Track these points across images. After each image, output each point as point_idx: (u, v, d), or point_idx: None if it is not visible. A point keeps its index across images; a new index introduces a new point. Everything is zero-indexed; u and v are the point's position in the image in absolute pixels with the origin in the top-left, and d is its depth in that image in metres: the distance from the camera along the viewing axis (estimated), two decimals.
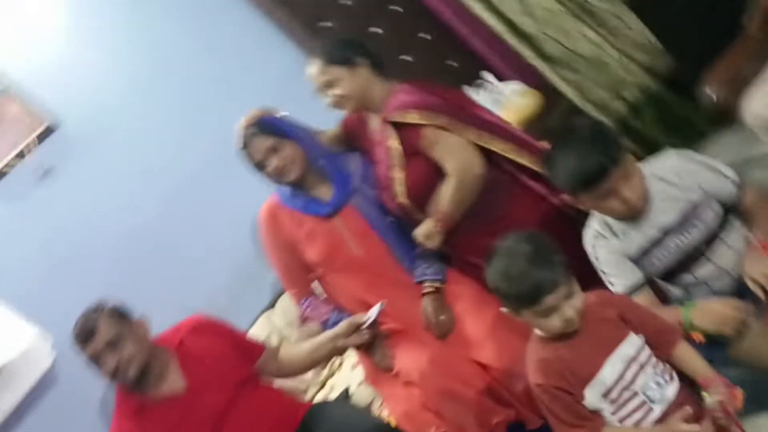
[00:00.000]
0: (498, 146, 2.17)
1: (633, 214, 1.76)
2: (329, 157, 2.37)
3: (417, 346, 2.20)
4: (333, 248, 2.28)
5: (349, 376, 2.74)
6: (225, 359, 2.12)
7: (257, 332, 3.13)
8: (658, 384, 1.54)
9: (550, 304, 1.49)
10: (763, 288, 1.60)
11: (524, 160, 2.18)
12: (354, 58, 2.19)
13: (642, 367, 1.54)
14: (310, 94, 2.27)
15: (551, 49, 2.84)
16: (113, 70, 3.33)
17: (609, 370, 1.53)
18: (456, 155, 2.13)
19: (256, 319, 3.27)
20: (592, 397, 1.54)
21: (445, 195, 2.14)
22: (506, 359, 2.15)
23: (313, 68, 2.21)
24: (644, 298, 1.77)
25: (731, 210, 1.79)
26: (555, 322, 1.51)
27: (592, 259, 1.85)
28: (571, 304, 1.50)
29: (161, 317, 2.18)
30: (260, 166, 2.25)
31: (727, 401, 1.46)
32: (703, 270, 1.76)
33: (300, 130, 2.33)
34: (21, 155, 3.12)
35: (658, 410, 1.53)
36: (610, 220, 1.81)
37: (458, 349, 2.20)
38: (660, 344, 1.58)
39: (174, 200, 3.33)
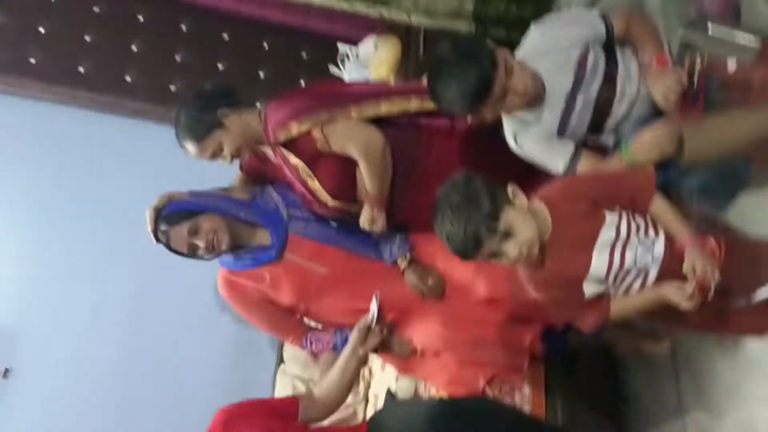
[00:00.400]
0: (383, 109, 2.17)
1: (533, 100, 1.78)
2: (248, 205, 2.34)
3: (424, 319, 2.22)
4: (300, 282, 2.27)
5: (383, 377, 2.75)
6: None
7: (282, 391, 3.10)
8: (646, 249, 1.55)
9: (491, 251, 1.50)
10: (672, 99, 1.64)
11: (413, 106, 2.18)
12: (215, 119, 2.14)
13: (625, 244, 1.55)
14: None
15: None
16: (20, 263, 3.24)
17: (597, 262, 1.55)
18: (352, 139, 2.12)
19: (274, 380, 3.24)
20: (590, 288, 1.58)
21: (365, 178, 2.14)
22: (503, 284, 2.19)
23: (192, 151, 2.16)
24: (586, 162, 1.80)
25: (613, 44, 1.82)
26: (511, 257, 1.52)
27: (525, 155, 1.88)
28: (513, 243, 1.50)
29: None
30: (191, 253, 2.20)
31: (704, 265, 1.45)
32: (619, 108, 1.79)
33: (206, 198, 2.28)
34: None
35: (654, 271, 1.56)
36: (518, 114, 1.84)
37: (460, 300, 2.22)
38: (636, 207, 1.59)
39: (136, 333, 3.28)
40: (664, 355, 2.16)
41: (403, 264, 2.26)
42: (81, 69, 3.52)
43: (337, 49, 3.55)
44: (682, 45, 1.39)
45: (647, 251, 1.55)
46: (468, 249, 1.51)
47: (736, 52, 1.36)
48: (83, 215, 3.35)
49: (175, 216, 2.18)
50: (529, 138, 1.85)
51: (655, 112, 1.76)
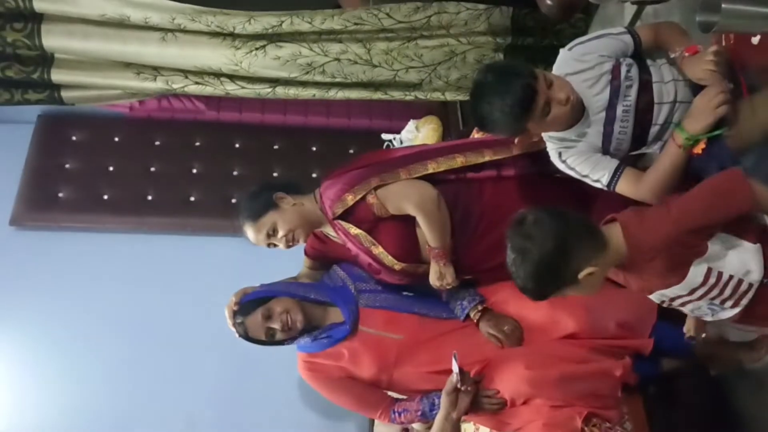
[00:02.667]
0: (431, 167, 2.25)
1: (576, 114, 1.82)
2: (316, 286, 2.42)
3: (508, 367, 2.18)
4: (378, 352, 2.28)
5: None
6: None
7: None
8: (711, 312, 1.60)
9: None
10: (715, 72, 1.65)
11: (458, 162, 2.26)
12: (270, 199, 2.24)
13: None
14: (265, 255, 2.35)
15: (412, 77, 2.98)
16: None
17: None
18: (406, 196, 2.19)
19: None
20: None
21: (426, 232, 2.20)
22: (582, 316, 2.17)
23: (250, 232, 2.27)
24: (628, 177, 1.82)
25: (642, 55, 1.87)
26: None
27: (569, 171, 1.90)
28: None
29: None
30: (270, 340, 2.26)
31: None
32: (660, 113, 1.82)
33: (275, 285, 2.38)
34: None
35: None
36: (562, 134, 1.88)
37: (540, 340, 2.21)
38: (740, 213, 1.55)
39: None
40: (765, 364, 2.06)
41: (476, 316, 2.26)
42: (149, 197, 3.78)
43: (381, 141, 3.72)
44: (701, 27, 1.43)
45: (710, 312, 1.59)
46: (537, 296, 1.57)
47: (756, 23, 1.40)
48: (168, 331, 3.48)
49: (248, 306, 2.27)
50: (573, 153, 1.87)
51: None
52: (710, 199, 1.53)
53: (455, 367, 2.10)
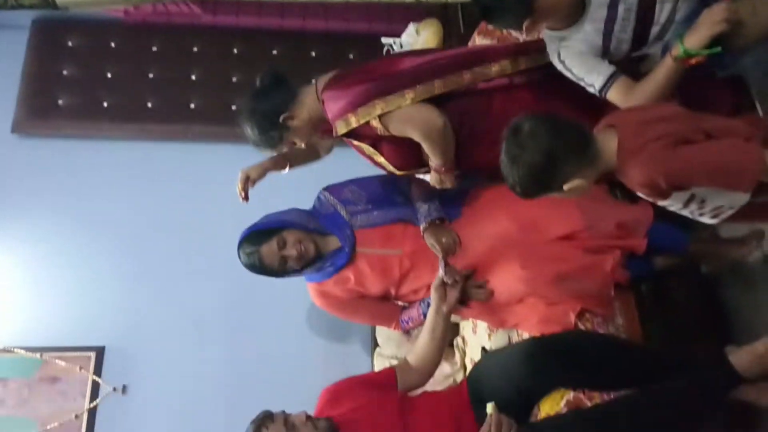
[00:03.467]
0: (437, 87, 2.14)
1: (578, 9, 1.82)
2: (312, 214, 2.45)
3: (503, 267, 2.24)
4: (381, 269, 2.35)
5: (476, 340, 2.78)
6: (372, 404, 2.14)
7: None
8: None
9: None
10: None
11: (466, 80, 2.17)
12: (282, 133, 2.19)
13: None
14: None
15: None
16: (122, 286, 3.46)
17: None
18: (410, 124, 2.13)
19: (372, 364, 3.32)
20: None
21: (429, 154, 2.20)
22: (577, 217, 2.21)
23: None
24: (620, 85, 1.82)
25: None
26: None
27: (566, 72, 1.90)
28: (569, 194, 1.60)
29: None
30: (281, 267, 2.31)
31: None
32: (662, 11, 1.80)
33: (283, 215, 2.41)
34: (95, 390, 3.22)
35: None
36: (562, 32, 1.87)
37: (535, 239, 2.24)
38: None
39: (238, 336, 3.41)
40: (756, 260, 2.11)
41: (423, 228, 2.29)
42: (149, 104, 3.76)
43: (381, 45, 3.66)
44: None
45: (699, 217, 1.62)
46: (524, 197, 1.63)
47: None
48: (173, 235, 3.55)
49: (261, 236, 2.31)
50: (571, 52, 1.87)
51: (703, 5, 1.74)
52: (715, 170, 1.52)
53: (441, 262, 2.18)
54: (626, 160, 1.58)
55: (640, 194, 1.66)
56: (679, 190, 1.56)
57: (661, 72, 1.75)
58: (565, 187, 1.58)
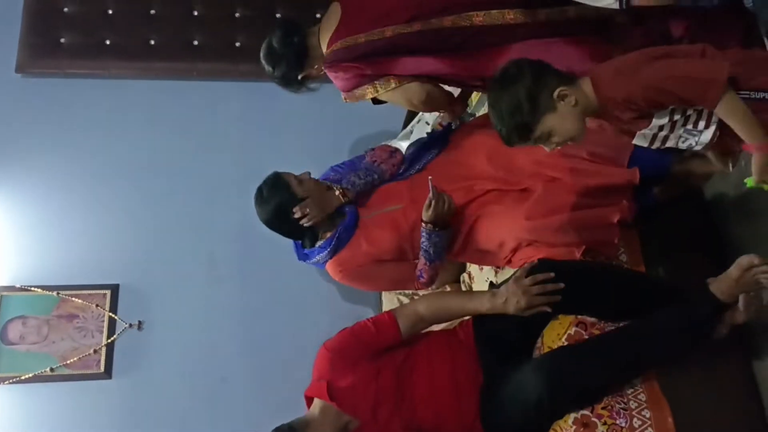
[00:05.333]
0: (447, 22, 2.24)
1: None
2: None
3: (507, 217, 2.27)
4: (390, 227, 2.41)
5: (483, 276, 2.83)
6: (369, 377, 2.05)
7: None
8: (690, 137, 1.67)
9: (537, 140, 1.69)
10: None
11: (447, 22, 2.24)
12: (304, 82, 2.47)
13: (668, 135, 1.69)
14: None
15: None
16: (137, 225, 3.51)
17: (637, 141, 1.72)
18: (398, 103, 2.40)
19: (380, 302, 3.39)
20: None
21: None
22: (561, 161, 2.22)
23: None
24: None
25: None
26: (550, 150, 1.74)
27: None
28: (553, 141, 1.69)
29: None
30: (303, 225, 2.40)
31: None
32: None
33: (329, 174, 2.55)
34: (112, 326, 3.31)
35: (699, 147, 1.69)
36: None
37: (531, 183, 2.29)
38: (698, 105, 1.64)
39: (250, 275, 3.49)
40: (751, 196, 2.10)
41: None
42: (152, 42, 3.72)
43: None
44: None
45: (691, 138, 1.66)
46: (509, 143, 1.72)
47: None
48: (183, 172, 3.59)
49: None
50: None
51: None
52: (683, 79, 1.58)
53: (431, 186, 2.22)
54: (603, 87, 1.66)
55: (624, 127, 1.70)
56: (657, 107, 1.63)
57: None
58: (555, 94, 1.63)
